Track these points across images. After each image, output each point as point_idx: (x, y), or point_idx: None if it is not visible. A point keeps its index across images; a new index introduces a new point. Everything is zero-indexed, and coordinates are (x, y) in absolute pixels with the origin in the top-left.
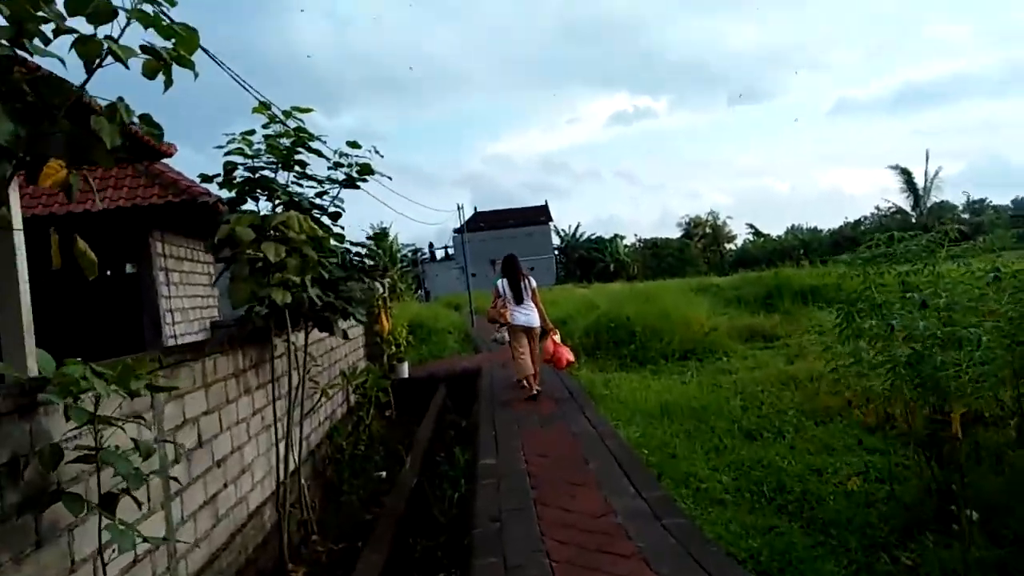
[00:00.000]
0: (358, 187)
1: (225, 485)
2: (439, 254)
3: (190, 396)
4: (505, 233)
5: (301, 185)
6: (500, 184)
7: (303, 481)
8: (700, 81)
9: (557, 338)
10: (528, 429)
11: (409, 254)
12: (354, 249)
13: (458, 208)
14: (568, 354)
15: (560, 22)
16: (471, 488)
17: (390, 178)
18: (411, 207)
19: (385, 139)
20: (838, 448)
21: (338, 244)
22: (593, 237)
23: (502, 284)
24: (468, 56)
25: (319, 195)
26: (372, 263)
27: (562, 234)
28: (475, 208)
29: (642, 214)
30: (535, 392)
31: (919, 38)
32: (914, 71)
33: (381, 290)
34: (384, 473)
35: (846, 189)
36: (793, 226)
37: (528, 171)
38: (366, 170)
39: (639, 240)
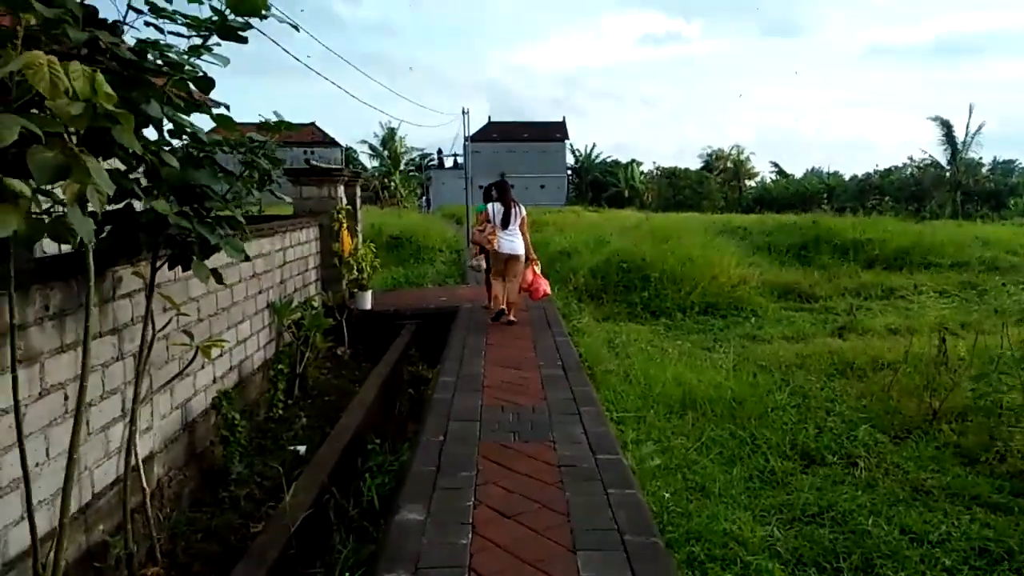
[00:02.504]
0: (244, 40)
1: None
2: (448, 162)
3: None
4: (519, 146)
5: (162, 31)
6: (517, 96)
7: (145, 486)
8: (734, 7)
9: (538, 269)
10: (495, 443)
11: (417, 158)
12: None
13: (463, 113)
14: (545, 286)
15: None
16: None
17: (296, 28)
18: (413, 112)
19: (402, 33)
20: (935, 492)
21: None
22: (609, 160)
23: (493, 208)
24: None
25: (193, 52)
26: (332, 166)
27: (577, 154)
28: (489, 117)
29: (660, 142)
30: (509, 318)
31: None
32: (953, 20)
33: (343, 200)
34: (303, 448)
35: (871, 136)
36: (813, 168)
37: (548, 85)
38: (249, 6)
39: (657, 168)
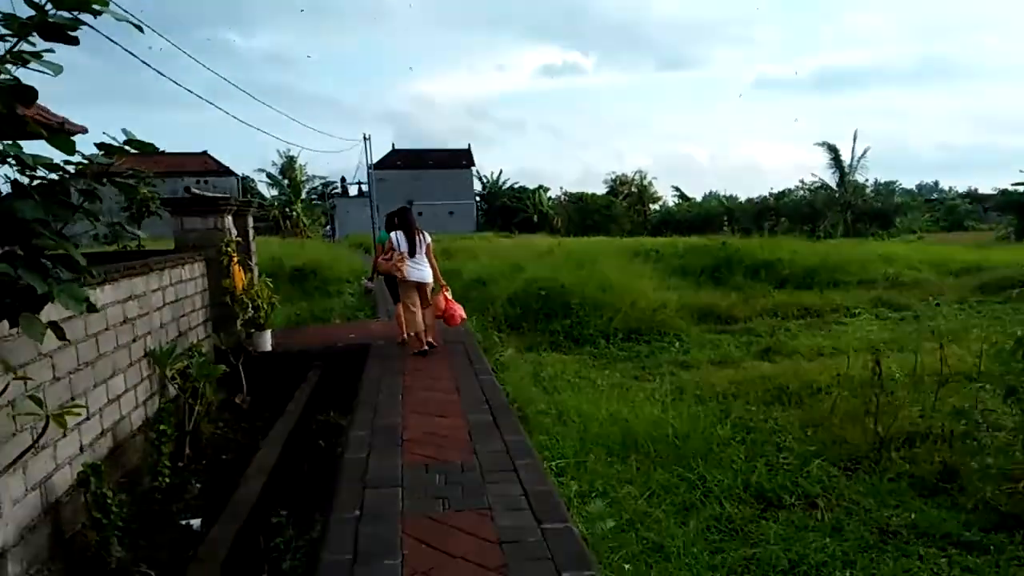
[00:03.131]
0: (75, 41)
1: None
2: (352, 190)
3: None
4: (424, 173)
5: None
6: (423, 126)
7: None
8: (628, 43)
9: (449, 294)
10: (422, 515)
11: (320, 187)
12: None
13: (364, 139)
14: (460, 311)
15: None
16: None
17: (140, 28)
18: (313, 140)
19: (301, 64)
20: (903, 532)
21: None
22: (516, 186)
23: (397, 236)
24: None
25: (16, 58)
26: (217, 195)
27: (484, 180)
28: (393, 144)
29: (565, 169)
30: (427, 348)
31: (840, 23)
32: (832, 55)
33: (233, 232)
34: (197, 522)
35: (762, 162)
36: (711, 193)
37: (452, 116)
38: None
39: (564, 193)
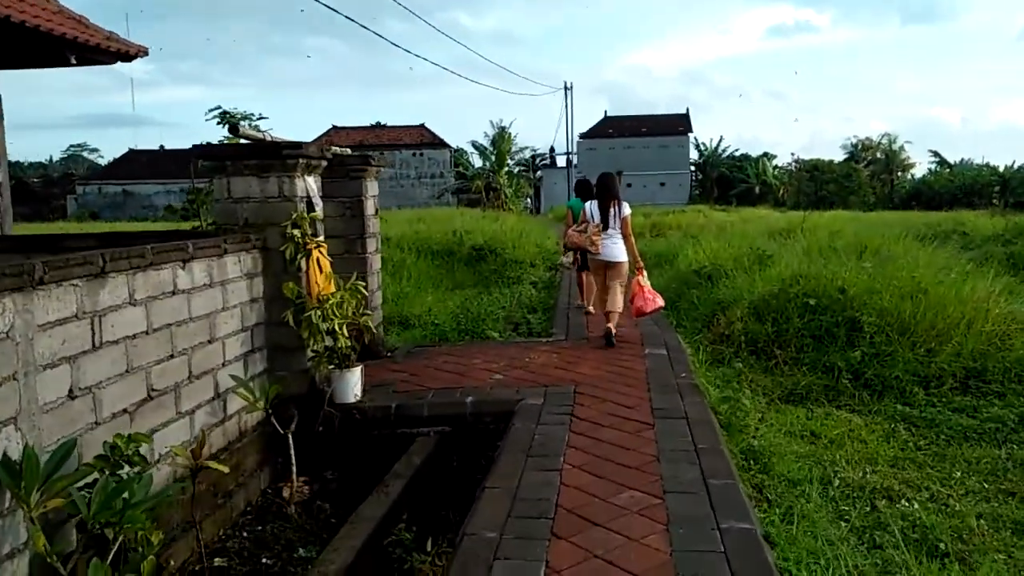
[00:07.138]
0: None
1: None
2: (560, 161)
3: None
4: (636, 142)
5: None
6: (637, 95)
7: None
8: None
9: (644, 279)
10: None
11: (529, 158)
12: None
13: (565, 88)
14: (655, 301)
15: None
16: None
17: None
18: (522, 98)
19: (526, 43)
20: None
21: None
22: (737, 154)
23: (591, 207)
24: None
25: None
26: (283, 139)
27: (702, 148)
28: (605, 112)
29: (788, 135)
30: (612, 331)
31: None
32: None
33: (318, 206)
34: None
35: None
36: (963, 160)
37: (668, 83)
38: None
39: (795, 161)
